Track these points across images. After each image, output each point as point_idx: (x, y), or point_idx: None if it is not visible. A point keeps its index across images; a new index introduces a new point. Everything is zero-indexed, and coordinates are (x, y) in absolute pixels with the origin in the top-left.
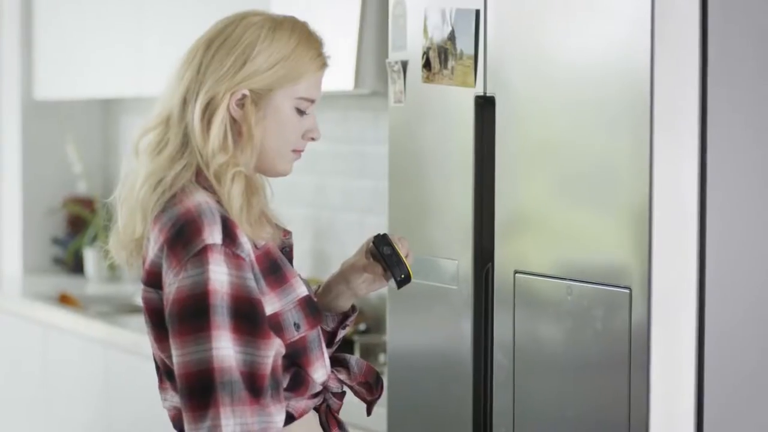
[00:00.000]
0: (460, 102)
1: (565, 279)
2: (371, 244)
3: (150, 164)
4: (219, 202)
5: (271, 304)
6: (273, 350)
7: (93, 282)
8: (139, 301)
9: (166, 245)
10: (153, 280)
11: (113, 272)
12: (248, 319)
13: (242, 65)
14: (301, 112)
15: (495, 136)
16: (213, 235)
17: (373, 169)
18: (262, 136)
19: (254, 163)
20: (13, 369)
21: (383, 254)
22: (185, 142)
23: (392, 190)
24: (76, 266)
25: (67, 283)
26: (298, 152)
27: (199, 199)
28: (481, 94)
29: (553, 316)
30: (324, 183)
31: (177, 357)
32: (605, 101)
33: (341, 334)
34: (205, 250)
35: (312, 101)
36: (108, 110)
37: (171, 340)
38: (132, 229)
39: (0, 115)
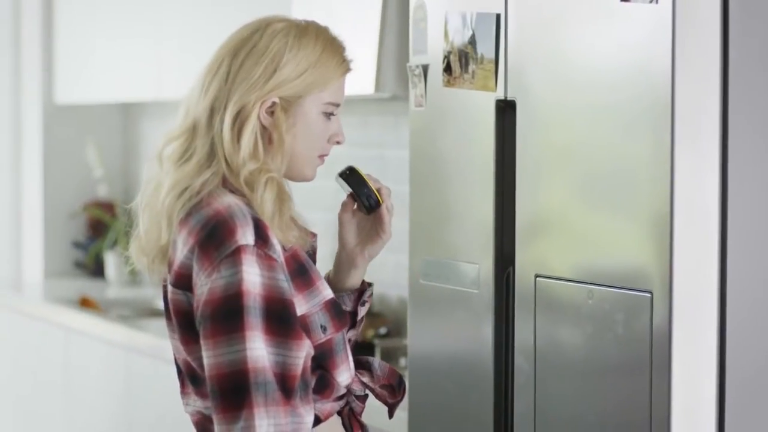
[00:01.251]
0: (481, 106)
1: (586, 283)
2: (337, 176)
3: (175, 173)
4: (248, 204)
5: (298, 306)
6: (304, 351)
7: (114, 286)
8: (159, 304)
9: (197, 247)
10: (182, 282)
11: (134, 276)
12: (281, 320)
13: (272, 74)
14: (328, 116)
15: (516, 140)
16: (246, 236)
17: (394, 173)
18: (292, 142)
19: (284, 169)
20: (35, 372)
21: (346, 180)
22: (212, 151)
23: (413, 194)
24: (96, 270)
25: (87, 286)
26: (323, 157)
27: (229, 201)
28: (502, 98)
29: (573, 320)
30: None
31: (209, 358)
32: (626, 105)
33: (362, 311)
34: (238, 251)
35: (337, 105)
36: (128, 114)
37: (203, 342)
38: (156, 235)
39: (21, 120)
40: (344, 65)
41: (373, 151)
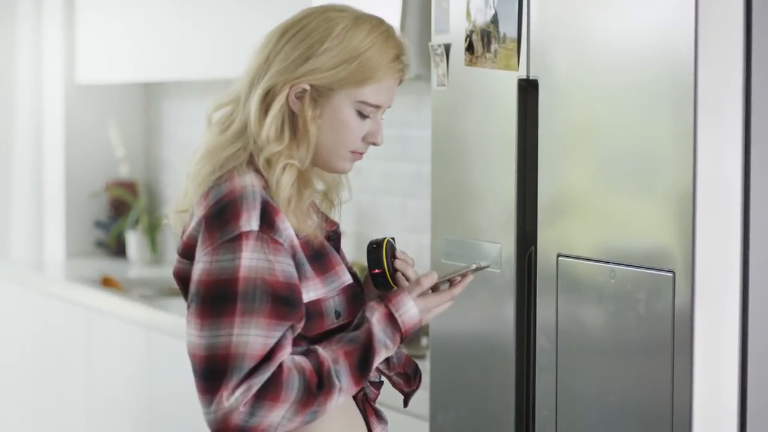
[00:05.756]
0: (503, 85)
1: (608, 262)
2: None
3: (213, 140)
4: (266, 186)
5: (314, 290)
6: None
7: (135, 265)
8: None
9: (204, 221)
10: (188, 252)
11: (155, 255)
12: (286, 303)
13: (306, 60)
14: (363, 116)
15: (538, 119)
16: (251, 221)
17: (416, 153)
18: (318, 133)
19: (310, 159)
20: (57, 353)
21: (369, 248)
22: (246, 125)
23: (435, 173)
24: (118, 250)
25: (109, 266)
26: (357, 153)
27: (247, 181)
28: (524, 77)
29: (596, 300)
30: (366, 167)
31: (192, 336)
32: (649, 84)
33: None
34: (240, 237)
35: (377, 107)
36: (150, 94)
37: (188, 318)
38: (190, 198)
39: (43, 100)
40: (394, 68)
41: (396, 131)
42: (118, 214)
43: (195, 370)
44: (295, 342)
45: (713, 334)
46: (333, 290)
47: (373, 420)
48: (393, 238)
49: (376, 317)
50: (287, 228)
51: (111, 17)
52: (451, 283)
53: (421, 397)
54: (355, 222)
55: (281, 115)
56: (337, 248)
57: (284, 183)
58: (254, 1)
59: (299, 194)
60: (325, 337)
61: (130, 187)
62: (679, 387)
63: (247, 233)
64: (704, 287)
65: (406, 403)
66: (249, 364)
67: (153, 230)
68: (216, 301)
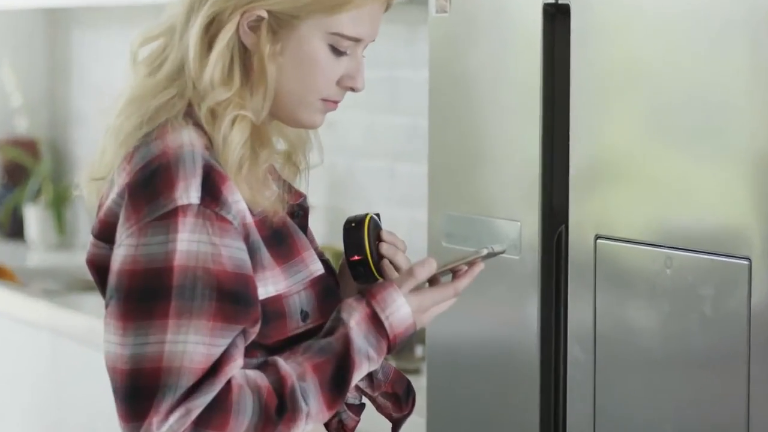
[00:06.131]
0: (524, 11)
1: (662, 246)
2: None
3: (139, 85)
4: (210, 147)
5: (274, 283)
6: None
7: (36, 250)
8: None
9: (127, 192)
10: (107, 233)
11: (62, 237)
12: (235, 301)
13: None
14: (338, 52)
15: (570, 57)
16: (189, 191)
17: (408, 101)
18: (277, 75)
19: (268, 109)
20: None
21: (346, 228)
22: (183, 65)
23: (433, 129)
24: (13, 230)
25: (2, 251)
26: (330, 102)
27: (185, 138)
28: (552, 1)
29: (646, 296)
30: (342, 119)
31: (111, 344)
32: (717, 8)
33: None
34: (175, 212)
35: (356, 40)
36: (55, 23)
37: (107, 321)
38: (108, 160)
39: None
40: None
41: (380, 72)
42: (13, 183)
43: (116, 390)
44: (249, 352)
45: None
46: (298, 283)
47: None
48: (377, 215)
49: (355, 319)
50: (238, 201)
51: None
52: (455, 274)
53: (415, 424)
54: (327, 193)
55: (229, 51)
56: (304, 228)
57: (234, 141)
58: None
59: (254, 156)
60: (288, 345)
61: (29, 146)
62: (757, 406)
63: (185, 208)
64: None
65: None
66: (187, 382)
67: (59, 204)
68: (143, 297)
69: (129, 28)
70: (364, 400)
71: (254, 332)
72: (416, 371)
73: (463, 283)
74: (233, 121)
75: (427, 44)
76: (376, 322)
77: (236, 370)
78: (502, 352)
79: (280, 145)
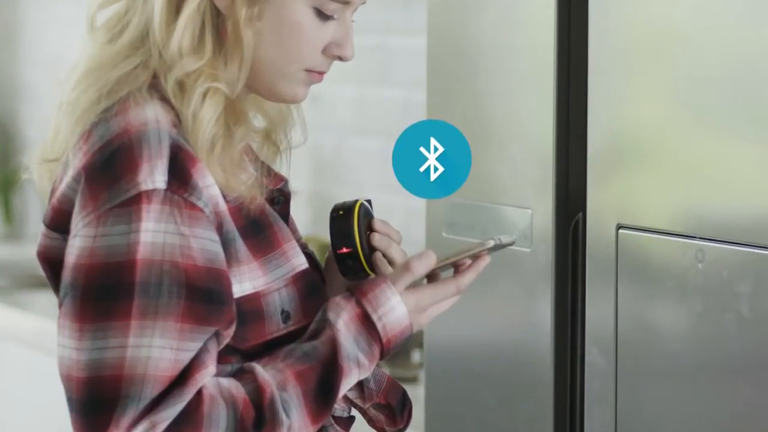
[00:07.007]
0: None
1: (693, 237)
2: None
3: (97, 53)
4: (178, 124)
5: (251, 279)
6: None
7: None
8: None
9: (84, 175)
10: (61, 222)
11: (10, 227)
12: (208, 299)
13: None
14: (324, 15)
15: (588, 19)
16: (154, 175)
17: (403, 72)
18: (254, 42)
19: (244, 81)
20: None
21: (333, 216)
22: (147, 31)
23: (432, 103)
24: None
25: None
26: (315, 73)
27: (150, 114)
28: None
29: (674, 293)
30: (328, 93)
31: (66, 349)
32: None
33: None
34: (138, 199)
35: (345, 3)
36: None
37: (60, 322)
38: (63, 139)
39: None
40: None
41: (372, 38)
42: None
43: (70, 401)
44: (222, 358)
45: None
46: (279, 280)
47: None
48: (369, 201)
49: (343, 320)
50: (209, 185)
51: None
52: (457, 268)
53: None
54: (312, 177)
55: (200, 15)
56: (285, 216)
57: (205, 118)
58: None
59: (228, 135)
60: (267, 350)
61: None
62: None
63: (149, 193)
64: None
65: None
66: (152, 392)
67: (7, 189)
68: (102, 296)
69: None
70: (354, 412)
71: (228, 335)
72: (413, 379)
73: (467, 279)
74: (204, 95)
75: (425, 7)
76: (367, 323)
77: (208, 378)
78: (510, 358)
79: (258, 122)
